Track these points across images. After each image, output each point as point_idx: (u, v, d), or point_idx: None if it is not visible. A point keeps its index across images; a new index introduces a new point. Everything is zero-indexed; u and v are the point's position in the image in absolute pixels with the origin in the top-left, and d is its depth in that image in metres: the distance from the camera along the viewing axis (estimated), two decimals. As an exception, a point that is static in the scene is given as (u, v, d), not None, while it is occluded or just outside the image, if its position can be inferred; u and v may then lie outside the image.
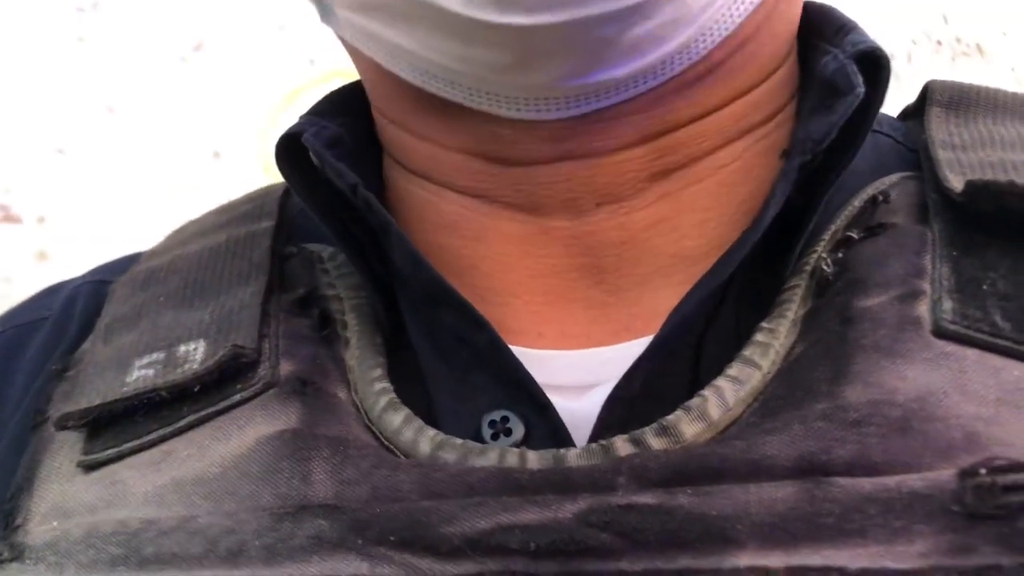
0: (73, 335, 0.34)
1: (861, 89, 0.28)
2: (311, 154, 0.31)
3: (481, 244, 0.30)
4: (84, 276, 0.38)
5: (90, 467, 0.28)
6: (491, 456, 0.26)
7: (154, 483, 0.27)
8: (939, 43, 0.96)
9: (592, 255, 0.30)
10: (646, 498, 0.22)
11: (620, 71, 0.26)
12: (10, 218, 0.99)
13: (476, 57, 0.26)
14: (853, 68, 0.28)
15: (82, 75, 1.01)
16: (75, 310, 0.35)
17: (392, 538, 0.23)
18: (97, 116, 1.02)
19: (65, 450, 0.29)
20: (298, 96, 0.96)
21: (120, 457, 0.28)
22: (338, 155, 0.30)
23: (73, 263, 0.41)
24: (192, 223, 0.38)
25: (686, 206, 0.29)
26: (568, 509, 0.23)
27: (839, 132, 0.27)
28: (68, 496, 0.28)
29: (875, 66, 0.29)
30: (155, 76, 1.02)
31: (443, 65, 0.27)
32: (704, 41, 0.27)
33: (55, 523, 0.27)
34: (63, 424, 0.29)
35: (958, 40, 0.97)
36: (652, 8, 0.25)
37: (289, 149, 0.31)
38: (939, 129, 0.31)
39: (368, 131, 0.34)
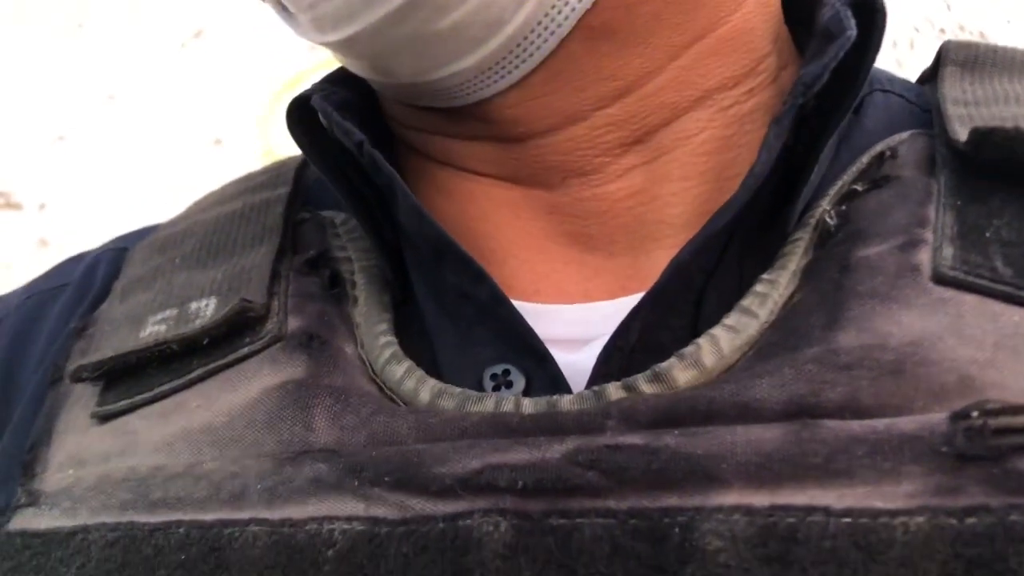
0: (92, 298, 0.35)
1: (852, 31, 0.27)
2: (320, 116, 0.31)
3: (475, 206, 0.32)
4: (107, 244, 0.39)
5: (104, 418, 0.29)
6: (488, 403, 0.26)
7: (164, 432, 0.28)
8: (942, 31, 0.96)
9: (576, 223, 0.31)
10: (633, 438, 0.23)
11: (464, 63, 0.28)
12: (11, 205, 0.99)
13: (357, 68, 0.31)
14: (846, 12, 0.28)
15: (82, 63, 1.01)
16: (96, 275, 0.37)
17: (387, 479, 0.24)
18: (98, 103, 1.02)
19: (81, 403, 0.30)
20: (299, 83, 0.97)
21: (132, 408, 0.29)
22: (348, 117, 0.31)
23: (74, 250, 0.41)
24: (212, 193, 0.39)
25: (660, 176, 0.30)
26: (556, 449, 0.23)
27: (835, 77, 0.27)
28: (83, 446, 0.29)
29: (870, 13, 0.29)
30: (155, 63, 1.02)
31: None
32: (559, 14, 0.28)
33: (70, 471, 0.28)
34: (78, 376, 0.30)
35: (961, 28, 0.97)
36: (434, 6, 0.27)
37: (300, 113, 0.32)
38: (953, 87, 0.30)
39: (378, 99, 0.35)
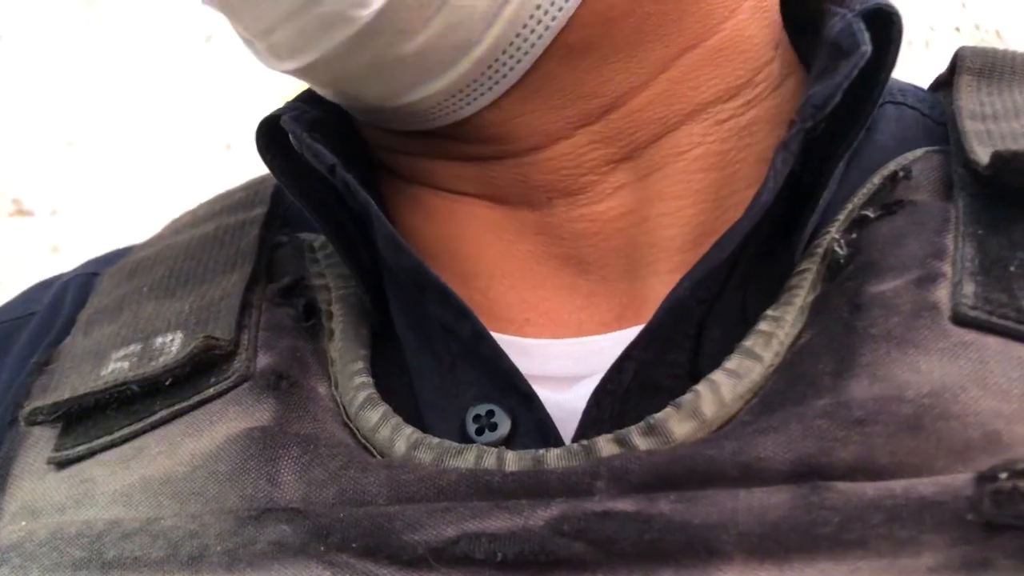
0: (59, 328, 0.33)
1: (867, 47, 0.25)
2: (291, 138, 0.30)
3: (456, 227, 0.30)
4: (77, 269, 0.37)
5: (61, 464, 0.27)
6: (468, 457, 0.24)
7: (123, 481, 0.26)
8: (957, 29, 0.93)
9: (566, 245, 0.29)
10: (624, 504, 0.21)
11: (434, 85, 0.27)
12: (22, 212, 0.99)
13: (324, 94, 0.30)
14: (860, 26, 0.26)
15: (92, 68, 1.00)
16: (64, 303, 0.35)
17: (355, 545, 0.22)
18: (108, 109, 1.01)
19: (39, 446, 0.28)
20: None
21: (91, 454, 0.27)
22: (319, 137, 0.29)
23: (85, 256, 0.40)
24: (187, 213, 0.37)
25: (652, 195, 0.28)
26: (540, 516, 0.21)
27: (846, 97, 0.25)
28: (38, 495, 0.27)
29: (885, 25, 0.26)
30: (165, 68, 1.01)
31: None
32: (531, 34, 0.26)
33: (23, 523, 0.27)
34: (33, 419, 0.28)
35: (976, 27, 0.94)
36: (394, 29, 0.25)
37: (271, 135, 0.30)
38: (969, 99, 0.28)
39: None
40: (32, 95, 0.99)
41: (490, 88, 0.27)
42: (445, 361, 0.28)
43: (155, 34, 1.01)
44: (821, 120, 0.25)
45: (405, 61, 0.26)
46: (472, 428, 0.26)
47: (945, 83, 0.31)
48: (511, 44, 0.26)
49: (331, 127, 0.31)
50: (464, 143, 0.29)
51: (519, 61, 0.26)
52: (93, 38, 0.99)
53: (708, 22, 0.28)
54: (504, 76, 0.27)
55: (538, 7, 0.25)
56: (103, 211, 0.96)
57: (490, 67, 0.26)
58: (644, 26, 0.27)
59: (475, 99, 0.27)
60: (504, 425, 0.26)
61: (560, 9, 0.25)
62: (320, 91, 0.30)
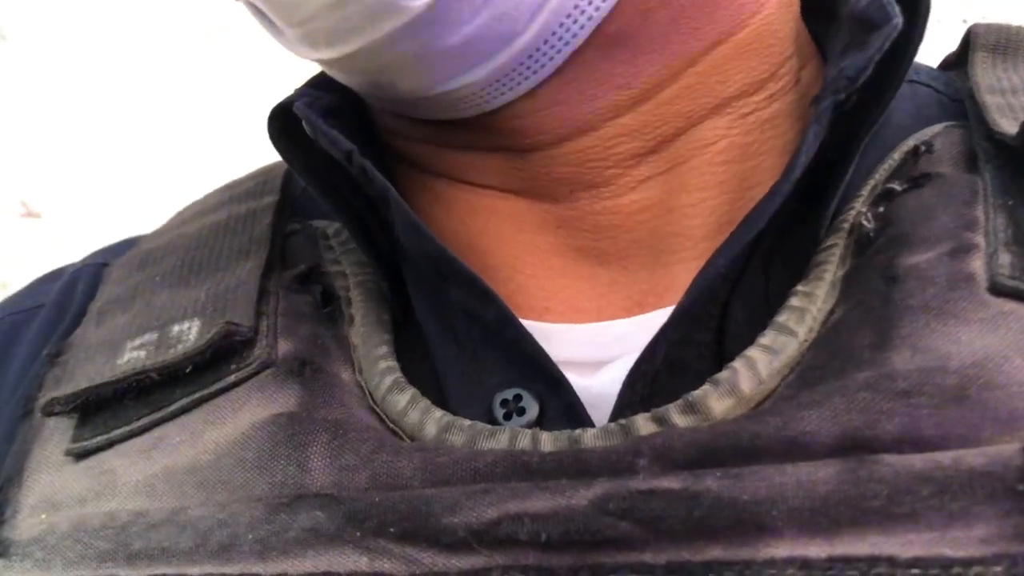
0: (70, 320, 0.33)
1: (899, 19, 0.25)
2: (304, 124, 0.29)
3: (476, 220, 0.29)
4: (85, 259, 0.37)
5: (80, 455, 0.27)
6: (501, 438, 0.24)
7: (145, 472, 0.25)
8: (964, 21, 0.93)
9: (587, 238, 0.29)
10: (670, 482, 0.20)
11: (474, 75, 0.26)
12: (31, 213, 0.99)
13: (349, 83, 0.29)
14: None
15: (100, 70, 1.00)
16: (75, 294, 0.34)
17: (392, 529, 0.21)
18: (116, 111, 1.01)
19: (56, 438, 0.28)
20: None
21: (110, 444, 0.27)
22: (334, 124, 0.28)
23: None
24: (195, 203, 0.36)
25: (676, 187, 0.28)
26: (583, 495, 0.21)
27: (875, 71, 0.25)
28: (57, 487, 0.27)
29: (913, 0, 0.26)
30: (173, 70, 1.01)
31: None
32: (574, 24, 0.25)
33: (43, 516, 0.26)
34: (50, 410, 0.27)
35: (983, 18, 0.94)
36: (443, 20, 0.24)
37: (283, 122, 0.29)
38: (985, 74, 0.28)
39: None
40: (39, 97, 0.99)
41: (527, 78, 0.26)
42: (468, 347, 0.27)
43: (162, 35, 1.01)
44: (853, 93, 0.25)
45: (448, 52, 0.25)
46: (499, 413, 0.25)
47: (955, 63, 0.31)
48: (553, 34, 0.25)
49: (345, 114, 0.30)
50: (490, 133, 0.28)
51: (559, 51, 0.26)
52: (102, 41, 0.99)
53: (739, 16, 0.27)
54: (543, 66, 0.26)
55: None
56: (111, 213, 0.96)
57: (530, 57, 0.26)
58: (679, 18, 0.27)
59: (511, 88, 0.27)
60: (532, 409, 0.25)
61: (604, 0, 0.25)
62: (348, 81, 0.29)
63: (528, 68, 0.26)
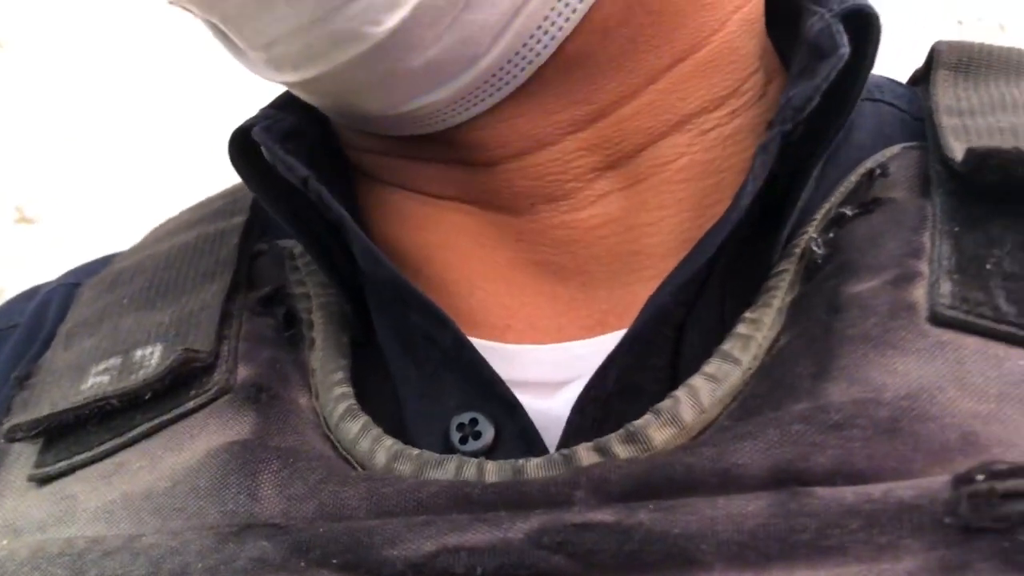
0: (41, 341, 0.33)
1: (845, 49, 0.25)
2: (263, 150, 0.29)
3: (435, 234, 0.30)
4: (59, 279, 0.37)
5: (42, 481, 0.27)
6: (448, 468, 0.24)
7: (105, 498, 0.26)
8: (960, 22, 0.92)
9: (545, 252, 0.29)
10: (604, 515, 0.20)
11: (437, 95, 0.27)
12: (26, 219, 0.99)
13: (313, 103, 0.29)
14: (838, 27, 0.26)
15: (98, 76, 1.00)
16: (47, 315, 0.34)
17: (335, 560, 0.22)
18: (114, 117, 1.01)
19: (20, 463, 0.28)
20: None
21: (72, 470, 0.27)
22: (294, 148, 0.29)
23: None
24: (168, 221, 0.37)
25: (636, 204, 0.28)
26: (519, 528, 0.21)
27: (824, 98, 0.25)
28: (19, 512, 0.27)
29: (864, 26, 0.26)
30: (173, 77, 1.01)
31: None
32: (537, 43, 0.26)
33: (4, 541, 0.26)
34: (12, 436, 0.28)
35: (979, 19, 0.93)
36: (406, 45, 0.25)
37: (243, 144, 0.30)
38: (945, 94, 0.28)
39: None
40: (36, 102, 0.99)
41: (491, 95, 0.27)
42: (427, 369, 0.27)
43: (159, 43, 1.01)
44: (799, 122, 0.25)
45: (411, 74, 0.26)
46: (456, 437, 0.26)
47: (923, 78, 0.31)
48: (516, 54, 0.26)
49: (305, 134, 0.30)
50: (451, 147, 0.29)
51: (522, 70, 0.26)
52: (100, 48, 0.99)
53: (700, 34, 0.28)
54: (506, 84, 0.27)
55: (545, 18, 0.25)
56: (107, 219, 0.96)
57: (494, 75, 0.26)
58: (639, 37, 0.27)
59: (474, 105, 0.27)
60: (488, 433, 0.25)
61: (567, 20, 0.25)
62: (312, 101, 0.29)
63: (492, 86, 0.27)
